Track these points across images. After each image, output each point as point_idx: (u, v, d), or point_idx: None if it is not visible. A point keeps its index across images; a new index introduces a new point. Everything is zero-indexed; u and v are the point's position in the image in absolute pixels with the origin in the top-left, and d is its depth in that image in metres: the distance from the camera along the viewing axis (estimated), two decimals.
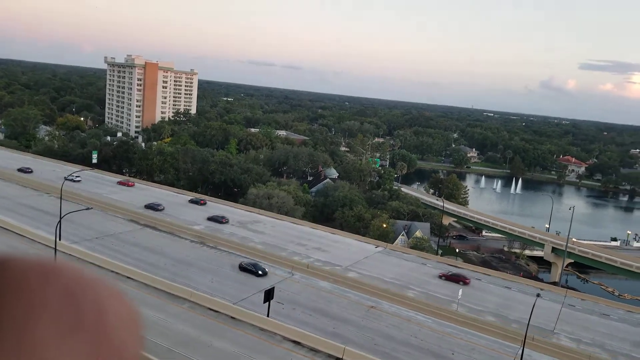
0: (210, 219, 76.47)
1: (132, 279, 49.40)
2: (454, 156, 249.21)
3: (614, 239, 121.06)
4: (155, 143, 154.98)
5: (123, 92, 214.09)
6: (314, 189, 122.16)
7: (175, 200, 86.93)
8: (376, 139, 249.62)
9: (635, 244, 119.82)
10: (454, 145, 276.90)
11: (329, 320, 46.76)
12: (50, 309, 1.04)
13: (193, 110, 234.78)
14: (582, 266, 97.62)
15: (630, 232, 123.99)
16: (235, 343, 39.67)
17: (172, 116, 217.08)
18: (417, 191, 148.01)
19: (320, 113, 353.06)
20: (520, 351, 39.27)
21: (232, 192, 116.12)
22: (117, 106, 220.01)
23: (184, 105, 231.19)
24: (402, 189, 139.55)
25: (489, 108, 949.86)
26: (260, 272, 56.40)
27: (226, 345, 39.16)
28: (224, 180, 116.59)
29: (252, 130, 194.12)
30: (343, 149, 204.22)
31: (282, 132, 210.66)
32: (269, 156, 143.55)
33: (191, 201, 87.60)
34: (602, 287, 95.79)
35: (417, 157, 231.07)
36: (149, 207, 78.81)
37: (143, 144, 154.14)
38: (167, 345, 38.10)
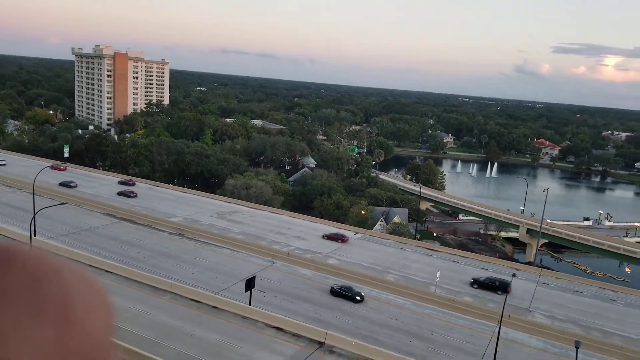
0: (120, 193, 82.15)
1: (111, 272, 48.94)
2: (430, 142, 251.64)
3: (587, 219, 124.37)
4: (128, 135, 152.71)
5: (93, 84, 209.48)
6: (292, 178, 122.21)
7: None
8: (353, 127, 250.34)
9: (607, 223, 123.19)
10: (430, 131, 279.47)
11: (310, 306, 47.20)
12: (12, 295, 1.01)
13: (166, 101, 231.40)
14: (556, 246, 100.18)
15: (602, 212, 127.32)
16: (217, 332, 39.81)
17: (145, 107, 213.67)
18: (394, 178, 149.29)
19: (296, 102, 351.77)
20: (497, 329, 40.31)
21: (210, 183, 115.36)
22: (87, 98, 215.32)
23: (156, 96, 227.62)
24: (380, 176, 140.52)
25: (465, 93, 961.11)
26: (358, 298, 48.43)
27: (209, 334, 39.27)
28: (200, 171, 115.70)
29: (227, 120, 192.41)
30: (320, 137, 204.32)
31: (258, 122, 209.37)
32: (246, 146, 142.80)
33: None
34: (576, 265, 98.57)
35: (394, 143, 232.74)
36: (63, 184, 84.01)
37: (116, 137, 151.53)
38: (150, 337, 38.04)
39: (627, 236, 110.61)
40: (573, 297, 56.76)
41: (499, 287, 53.72)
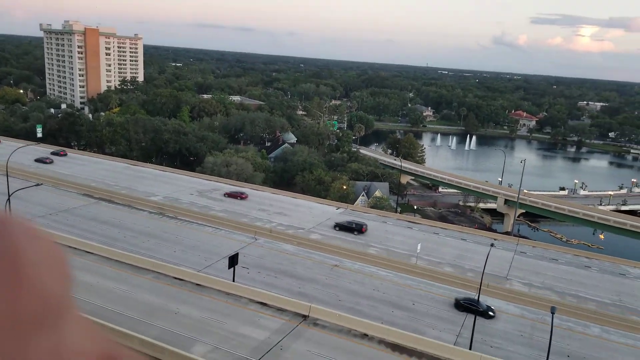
0: (37, 160, 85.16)
1: (91, 253, 48.54)
2: (410, 116, 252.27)
3: (562, 189, 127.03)
4: (103, 114, 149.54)
5: (63, 61, 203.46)
6: (272, 155, 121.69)
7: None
8: (333, 102, 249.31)
9: (582, 192, 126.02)
10: (410, 105, 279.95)
11: (294, 281, 47.63)
12: None
13: (140, 78, 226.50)
14: (533, 215, 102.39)
15: (577, 181, 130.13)
16: (202, 308, 39.98)
17: (119, 85, 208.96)
18: (375, 152, 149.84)
19: (274, 76, 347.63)
20: (476, 297, 41.28)
21: (189, 161, 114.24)
22: (59, 76, 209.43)
23: (130, 72, 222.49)
24: (361, 150, 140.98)
25: (444, 66, 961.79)
26: (490, 313, 43.16)
27: (193, 311, 39.43)
28: (178, 149, 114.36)
29: (205, 96, 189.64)
30: (300, 113, 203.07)
31: (237, 98, 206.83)
32: (224, 123, 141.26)
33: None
34: (552, 234, 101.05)
35: (374, 118, 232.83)
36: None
37: (90, 115, 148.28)
38: (133, 315, 38.04)
39: (601, 204, 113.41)
40: (549, 265, 58.30)
41: (356, 228, 63.25)
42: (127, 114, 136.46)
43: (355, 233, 62.57)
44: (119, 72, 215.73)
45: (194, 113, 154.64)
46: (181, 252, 52.67)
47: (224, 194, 75.15)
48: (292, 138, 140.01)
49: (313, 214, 70.14)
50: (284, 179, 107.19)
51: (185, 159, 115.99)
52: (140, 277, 44.90)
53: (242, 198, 74.17)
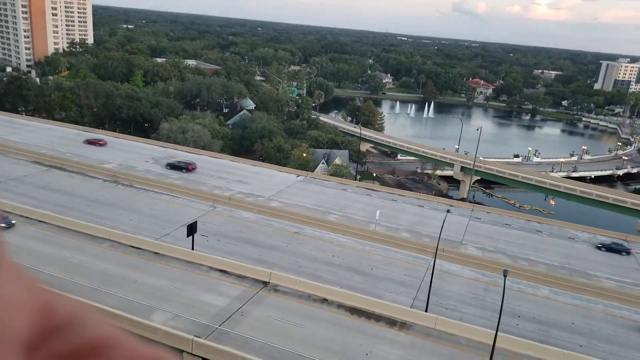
0: None
1: (44, 222, 46.87)
2: (370, 83, 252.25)
3: (517, 156, 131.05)
4: (51, 77, 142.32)
5: (7, 22, 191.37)
6: (230, 122, 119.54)
7: None
8: (292, 67, 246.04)
9: (535, 159, 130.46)
10: (369, 72, 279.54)
11: (254, 248, 47.61)
12: None
13: (90, 40, 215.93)
14: (488, 182, 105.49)
15: (530, 149, 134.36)
16: (161, 277, 39.50)
17: (67, 47, 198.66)
18: (335, 119, 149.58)
19: (231, 40, 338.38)
20: (432, 262, 42.44)
21: (143, 127, 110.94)
22: (2, 38, 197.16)
23: (79, 34, 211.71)
24: (321, 117, 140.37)
25: (403, 32, 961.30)
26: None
27: (152, 280, 38.91)
28: (132, 115, 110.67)
29: (159, 60, 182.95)
30: (258, 78, 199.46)
31: (192, 62, 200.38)
32: (180, 88, 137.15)
33: None
34: (505, 200, 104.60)
35: (334, 84, 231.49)
36: None
37: (38, 79, 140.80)
38: (91, 285, 37.22)
39: (552, 171, 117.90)
40: (502, 230, 60.49)
41: (184, 167, 70.25)
42: (77, 78, 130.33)
43: (184, 171, 69.29)
44: (67, 34, 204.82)
45: (147, 78, 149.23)
46: (138, 220, 51.57)
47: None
48: (250, 104, 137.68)
49: (273, 181, 69.82)
50: (242, 146, 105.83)
51: (140, 126, 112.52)
52: (96, 246, 43.80)
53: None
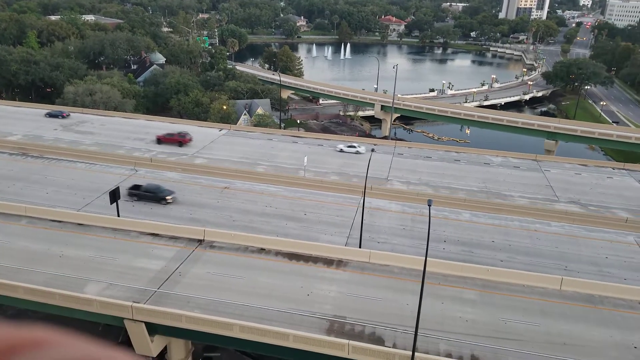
0: None
1: None
2: (284, 27, 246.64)
3: (432, 90, 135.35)
4: None
5: None
6: (140, 78, 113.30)
7: None
8: (200, 16, 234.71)
9: (449, 92, 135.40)
10: (282, 15, 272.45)
11: (184, 208, 46.75)
12: None
13: None
14: (408, 118, 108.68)
15: (444, 82, 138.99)
16: (89, 248, 38.00)
17: None
18: (252, 68, 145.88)
19: None
20: (362, 201, 43.79)
21: (45, 93, 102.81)
22: None
23: None
24: (237, 67, 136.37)
25: None
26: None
27: (79, 252, 37.37)
28: (31, 80, 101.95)
29: (53, 18, 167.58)
30: (165, 29, 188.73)
31: (90, 17, 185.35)
32: (80, 47, 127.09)
33: None
34: (425, 134, 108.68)
35: (247, 31, 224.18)
36: None
37: None
38: (13, 265, 35.20)
39: (466, 102, 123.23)
40: (424, 163, 63.20)
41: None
42: None
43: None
44: None
45: (42, 38, 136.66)
46: (54, 193, 48.73)
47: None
48: (160, 58, 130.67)
49: (195, 138, 67.85)
50: (157, 104, 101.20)
51: (42, 91, 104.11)
52: (12, 225, 41.12)
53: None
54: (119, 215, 41.80)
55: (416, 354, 27.57)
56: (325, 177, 55.82)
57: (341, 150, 64.88)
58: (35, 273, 34.55)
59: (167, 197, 47.01)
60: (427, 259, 27.38)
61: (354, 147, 64.70)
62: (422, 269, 27.54)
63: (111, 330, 38.77)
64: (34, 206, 43.34)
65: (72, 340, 1.01)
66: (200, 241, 39.57)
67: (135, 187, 47.90)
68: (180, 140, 64.21)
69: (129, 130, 69.99)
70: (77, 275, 34.51)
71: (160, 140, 64.45)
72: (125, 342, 34.95)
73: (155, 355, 34.74)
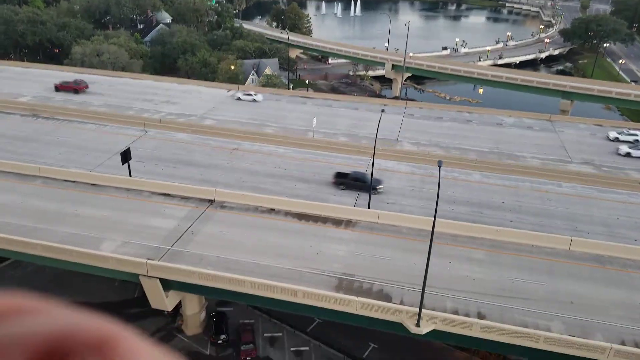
0: None
1: None
2: None
3: (445, 48, 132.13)
4: None
5: None
6: (147, 38, 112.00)
7: None
8: None
9: (463, 50, 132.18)
10: None
11: (194, 169, 47.07)
12: None
13: None
14: (419, 78, 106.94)
15: (458, 40, 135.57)
16: (103, 207, 38.67)
17: None
18: (260, 26, 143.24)
19: None
20: (371, 162, 43.70)
21: (53, 54, 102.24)
22: None
23: None
24: (245, 25, 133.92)
25: None
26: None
27: (94, 212, 38.06)
28: (39, 41, 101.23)
29: None
30: None
31: None
32: (86, 6, 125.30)
33: None
34: (436, 94, 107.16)
35: None
36: None
37: None
38: (29, 224, 36.01)
39: (479, 60, 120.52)
40: (434, 124, 62.54)
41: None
42: None
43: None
44: None
45: None
46: (67, 153, 49.20)
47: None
48: (166, 17, 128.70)
49: (203, 99, 67.65)
50: (164, 64, 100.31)
51: (49, 52, 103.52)
52: (27, 185, 41.82)
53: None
54: (130, 176, 42.26)
55: (423, 310, 28.15)
56: (335, 138, 55.60)
57: (239, 99, 67.47)
58: (52, 232, 35.35)
59: (378, 187, 43.67)
60: (436, 219, 27.54)
61: (251, 95, 67.92)
62: (431, 229, 27.74)
63: (127, 285, 39.91)
64: (47, 167, 43.89)
65: (54, 307, 0.99)
66: (211, 201, 40.04)
67: (342, 176, 45.13)
68: (75, 87, 67.91)
69: (137, 91, 69.76)
70: (92, 234, 35.26)
71: (57, 89, 67.60)
72: (140, 297, 36.04)
73: (170, 310, 35.88)
